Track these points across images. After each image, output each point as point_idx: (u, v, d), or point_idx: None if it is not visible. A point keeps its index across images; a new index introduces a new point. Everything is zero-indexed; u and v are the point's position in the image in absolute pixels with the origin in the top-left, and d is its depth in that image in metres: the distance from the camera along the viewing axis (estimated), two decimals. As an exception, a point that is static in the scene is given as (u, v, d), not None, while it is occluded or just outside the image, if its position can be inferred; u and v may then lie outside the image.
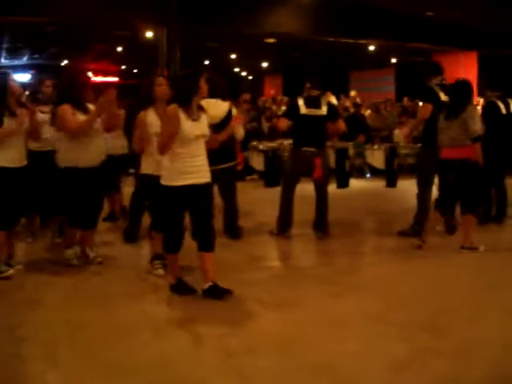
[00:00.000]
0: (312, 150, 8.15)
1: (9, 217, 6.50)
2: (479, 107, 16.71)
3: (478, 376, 4.15)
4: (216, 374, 4.20)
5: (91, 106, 6.68)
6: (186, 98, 5.72)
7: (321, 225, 8.36)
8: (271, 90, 30.29)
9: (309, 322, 5.08)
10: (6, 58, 27.50)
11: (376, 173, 14.65)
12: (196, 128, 5.65)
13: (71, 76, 7.02)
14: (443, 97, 8.08)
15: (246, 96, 16.05)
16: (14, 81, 6.54)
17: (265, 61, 30.17)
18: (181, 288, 5.85)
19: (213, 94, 7.37)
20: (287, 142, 10.71)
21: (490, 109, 9.56)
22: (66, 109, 6.55)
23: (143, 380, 4.13)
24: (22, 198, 6.55)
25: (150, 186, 6.37)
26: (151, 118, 6.42)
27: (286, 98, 18.33)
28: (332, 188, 9.76)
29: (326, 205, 8.40)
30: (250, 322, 5.14)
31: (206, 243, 5.73)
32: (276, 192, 8.92)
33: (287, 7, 17.88)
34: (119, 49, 25.10)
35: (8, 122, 6.26)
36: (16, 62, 27.95)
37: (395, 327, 4.99)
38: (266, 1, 17.28)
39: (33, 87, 8.66)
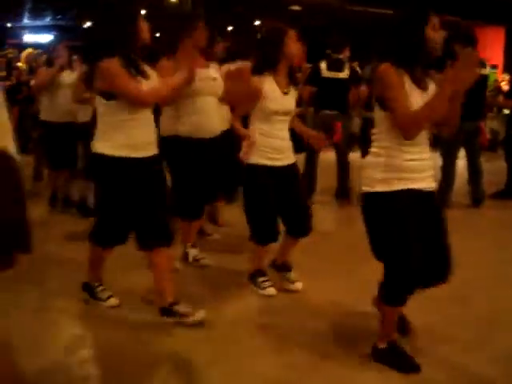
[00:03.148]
0: (333, 112, 8.14)
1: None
2: (504, 83, 16.63)
3: (502, 345, 4.14)
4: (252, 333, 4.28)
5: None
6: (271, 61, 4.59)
7: (342, 192, 8.37)
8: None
9: (341, 286, 5.07)
10: (28, 18, 27.47)
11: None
12: None
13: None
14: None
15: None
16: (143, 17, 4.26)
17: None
18: (397, 357, 3.77)
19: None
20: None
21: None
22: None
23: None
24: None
25: (261, 180, 4.83)
26: (270, 89, 4.69)
27: (308, 66, 18.26)
28: (357, 157, 9.73)
29: (348, 172, 8.41)
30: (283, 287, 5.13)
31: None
32: (300, 158, 8.88)
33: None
34: (142, 12, 24.98)
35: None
36: (38, 23, 27.91)
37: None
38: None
39: (49, 51, 7.94)
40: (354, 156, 9.02)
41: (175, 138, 5.20)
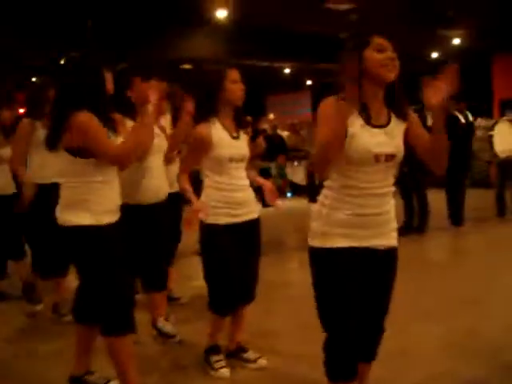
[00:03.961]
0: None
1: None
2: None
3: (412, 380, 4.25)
4: None
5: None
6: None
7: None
8: (187, 116, 30.33)
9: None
10: None
11: (296, 192, 14.91)
12: None
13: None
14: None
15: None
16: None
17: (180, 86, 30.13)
18: None
19: None
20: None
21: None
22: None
23: None
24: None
25: (221, 242, 4.25)
26: (218, 135, 4.21)
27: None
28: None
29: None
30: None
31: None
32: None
33: (200, 32, 17.93)
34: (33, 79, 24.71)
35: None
36: None
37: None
38: (180, 26, 17.32)
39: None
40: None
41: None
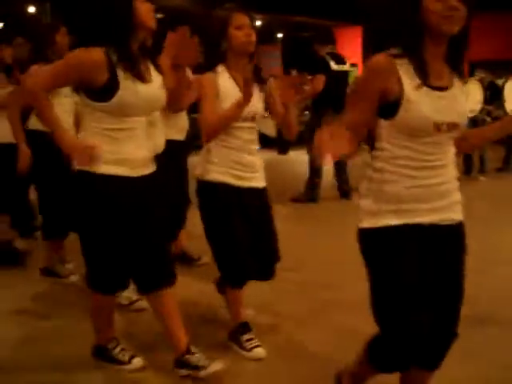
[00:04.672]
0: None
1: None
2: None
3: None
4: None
5: None
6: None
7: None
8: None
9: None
10: None
11: (266, 144, 14.91)
12: None
13: None
14: (334, 66, 8.27)
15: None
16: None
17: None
18: None
19: None
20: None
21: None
22: None
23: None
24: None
25: (224, 201, 3.74)
26: (226, 84, 3.71)
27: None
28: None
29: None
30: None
31: None
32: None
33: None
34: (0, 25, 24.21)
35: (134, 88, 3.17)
36: None
37: (295, 285, 5.10)
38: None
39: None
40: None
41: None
